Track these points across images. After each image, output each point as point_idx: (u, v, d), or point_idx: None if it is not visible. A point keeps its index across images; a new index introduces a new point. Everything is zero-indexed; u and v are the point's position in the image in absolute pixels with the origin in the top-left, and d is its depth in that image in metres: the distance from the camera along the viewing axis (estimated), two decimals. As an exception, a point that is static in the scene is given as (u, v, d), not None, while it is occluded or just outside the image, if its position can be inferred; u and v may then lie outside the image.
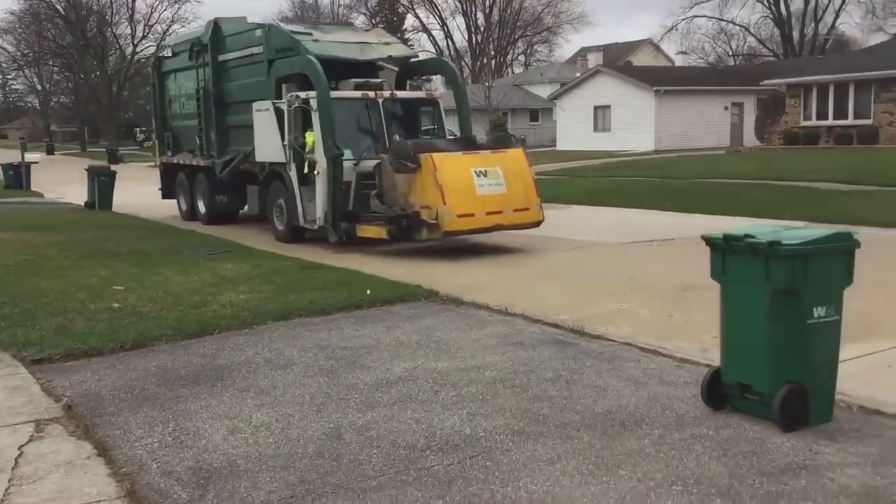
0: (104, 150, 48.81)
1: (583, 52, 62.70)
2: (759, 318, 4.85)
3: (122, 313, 8.22)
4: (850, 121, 31.50)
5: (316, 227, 13.07)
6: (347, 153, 12.65)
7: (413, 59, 15.77)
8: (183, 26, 62.12)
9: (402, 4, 76.80)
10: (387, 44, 14.96)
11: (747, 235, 4.91)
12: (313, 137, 12.78)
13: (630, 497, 4.00)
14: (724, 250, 5.07)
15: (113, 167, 24.09)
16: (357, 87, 13.70)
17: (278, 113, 13.55)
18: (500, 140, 12.86)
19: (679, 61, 54.89)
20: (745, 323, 4.95)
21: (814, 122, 33.00)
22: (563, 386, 5.75)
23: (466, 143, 12.99)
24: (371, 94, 13.51)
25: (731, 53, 65.25)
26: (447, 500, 4.03)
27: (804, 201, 16.48)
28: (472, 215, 11.59)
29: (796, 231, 5.27)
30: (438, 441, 4.78)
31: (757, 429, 4.80)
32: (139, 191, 24.24)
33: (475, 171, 11.74)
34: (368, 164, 12.66)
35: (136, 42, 69.37)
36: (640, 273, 10.08)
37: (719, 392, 5.17)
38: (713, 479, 4.15)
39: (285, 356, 6.72)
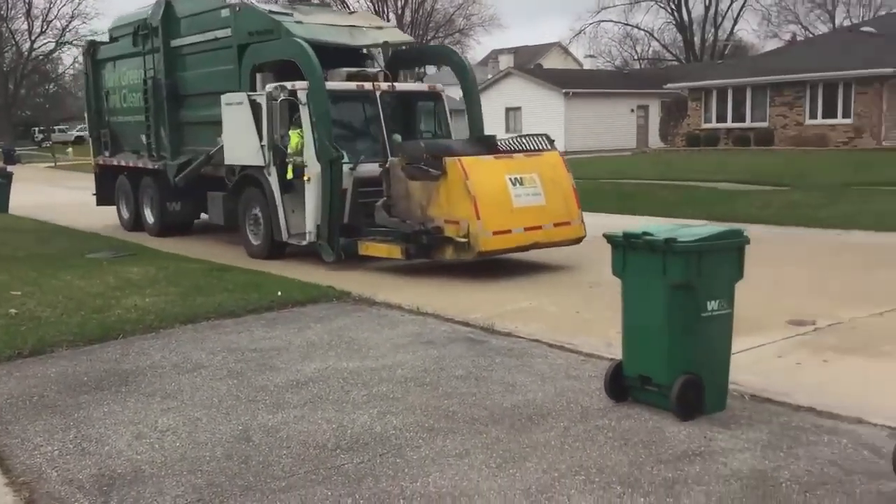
0: (0, 149, 46.82)
1: (494, 55, 63.48)
2: (657, 313, 5.06)
3: (19, 319, 7.92)
4: (747, 123, 32.86)
5: (304, 242, 11.10)
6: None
7: (411, 46, 13.87)
8: (84, 22, 59.97)
9: (314, 5, 76.07)
10: (379, 28, 12.92)
11: (645, 233, 5.11)
12: (299, 137, 10.93)
13: (535, 488, 4.12)
14: (624, 248, 5.26)
15: (9, 168, 23.09)
16: (350, 78, 11.74)
17: (254, 108, 11.56)
18: (533, 141, 10.81)
19: (587, 65, 56.20)
20: (644, 317, 5.15)
21: (714, 124, 34.29)
22: (473, 383, 5.86)
23: (487, 144, 10.91)
24: (367, 85, 11.63)
25: (636, 58, 67.18)
26: (356, 498, 4.07)
27: (704, 201, 17.13)
28: (509, 231, 9.67)
29: (691, 228, 5.51)
30: (349, 440, 4.81)
31: (656, 419, 5.01)
32: (39, 192, 23.29)
33: (510, 179, 9.87)
34: (367, 169, 10.86)
35: (33, 38, 66.69)
36: (548, 271, 10.31)
37: (621, 385, 5.36)
38: (614, 468, 4.32)
39: (193, 360, 6.61)
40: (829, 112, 30.18)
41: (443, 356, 6.54)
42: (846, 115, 29.74)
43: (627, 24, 67.47)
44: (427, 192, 9.94)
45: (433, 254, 9.96)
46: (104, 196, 16.97)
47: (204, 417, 5.26)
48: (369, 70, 12.23)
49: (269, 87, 11.28)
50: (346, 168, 10.73)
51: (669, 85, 37.74)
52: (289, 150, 11.03)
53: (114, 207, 16.71)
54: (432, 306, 8.27)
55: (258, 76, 11.87)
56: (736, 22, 61.24)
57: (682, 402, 4.95)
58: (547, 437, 4.77)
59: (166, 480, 4.33)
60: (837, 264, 10.31)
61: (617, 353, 5.61)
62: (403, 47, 13.27)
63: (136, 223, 15.78)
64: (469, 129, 12.40)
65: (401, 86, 12.26)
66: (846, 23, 52.64)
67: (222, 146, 12.43)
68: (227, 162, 12.37)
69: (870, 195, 15.47)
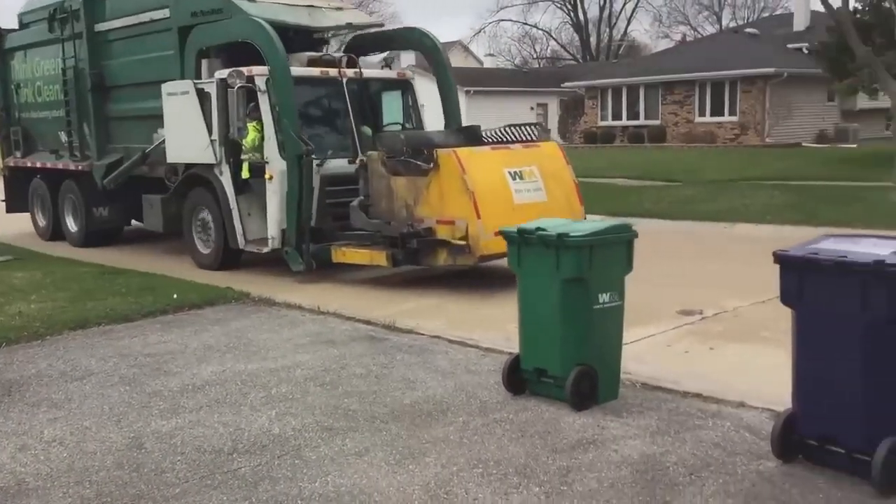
0: None
1: (396, 53, 63.38)
2: (551, 306, 5.18)
3: None
4: (641, 121, 33.89)
5: (266, 249, 9.92)
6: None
7: (377, 29, 12.48)
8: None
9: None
10: (338, 9, 11.61)
11: (539, 229, 5.23)
12: (256, 131, 9.74)
13: (434, 482, 4.16)
14: (519, 243, 5.37)
15: None
16: (311, 64, 10.43)
17: (202, 97, 10.29)
18: (524, 131, 9.86)
19: (488, 63, 56.77)
20: (539, 311, 5.27)
21: (610, 122, 35.24)
22: (374, 381, 5.86)
23: (471, 136, 9.78)
24: (332, 72, 10.38)
25: (535, 56, 68.33)
26: (253, 502, 4.01)
27: (601, 197, 17.59)
28: None
29: (583, 223, 5.67)
30: (246, 443, 4.73)
31: (552, 410, 5.13)
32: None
33: (509, 173, 8.90)
34: (335, 165, 9.79)
35: None
36: (452, 268, 10.39)
37: (519, 378, 5.47)
38: (511, 460, 4.40)
39: (82, 367, 6.37)
40: (717, 110, 31.45)
41: (343, 355, 6.52)
42: (732, 112, 31.05)
43: (526, 24, 68.66)
44: (415, 189, 8.84)
45: (423, 259, 8.85)
46: (15, 202, 15.03)
47: (93, 426, 5.08)
48: (333, 55, 10.91)
49: (223, 72, 9.98)
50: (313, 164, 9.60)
51: (567, 84, 38.55)
52: (245, 145, 9.82)
53: (27, 214, 14.87)
54: (333, 305, 8.22)
55: (204, 62, 10.60)
56: (629, 22, 62.98)
57: (577, 392, 5.09)
58: (446, 432, 4.82)
59: (52, 493, 4.16)
60: (724, 256, 10.78)
61: (515, 347, 5.71)
62: (368, 30, 11.89)
63: (55, 232, 13.97)
64: (444, 120, 11.20)
65: (369, 72, 11.04)
66: (732, 24, 54.99)
67: (162, 142, 11.06)
68: (169, 160, 10.99)
69: (754, 190, 16.23)
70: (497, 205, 8.52)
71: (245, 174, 10.00)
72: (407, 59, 33.10)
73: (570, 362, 5.14)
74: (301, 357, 6.48)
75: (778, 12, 51.47)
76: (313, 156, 9.46)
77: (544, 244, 5.17)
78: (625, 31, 63.48)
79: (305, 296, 8.69)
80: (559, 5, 61.45)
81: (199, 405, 5.41)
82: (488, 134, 9.89)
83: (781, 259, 4.14)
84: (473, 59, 67.52)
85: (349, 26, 11.38)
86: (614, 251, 5.25)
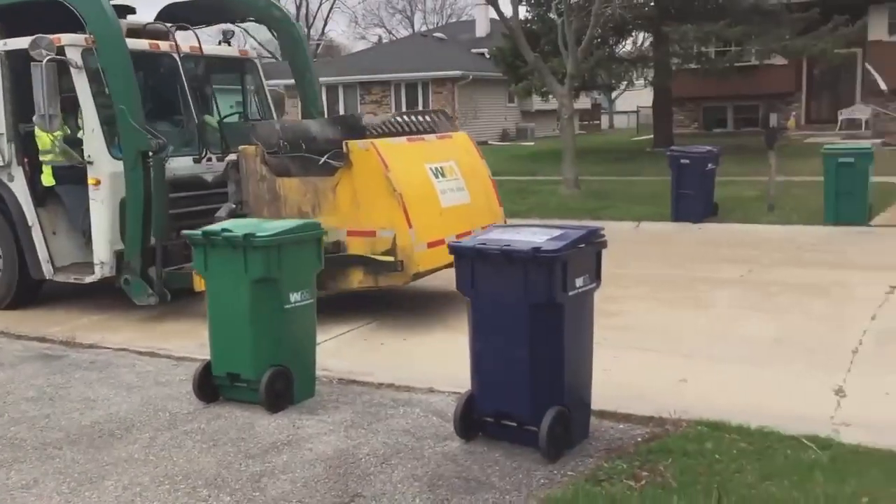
0: None
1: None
2: (241, 309, 5.05)
3: None
4: (342, 120, 34.51)
5: (91, 279, 7.62)
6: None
7: None
8: None
9: None
10: None
11: (224, 230, 5.08)
12: (60, 130, 7.40)
13: (115, 507, 3.87)
14: (205, 246, 5.16)
15: None
16: (131, 34, 7.95)
17: None
18: (436, 121, 8.24)
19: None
20: (229, 314, 5.11)
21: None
22: (47, 403, 5.32)
23: (352, 127, 7.93)
24: (164, 45, 8.16)
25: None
26: None
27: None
28: (443, 242, 6.69)
29: (272, 222, 5.60)
30: None
31: (246, 415, 5.01)
32: None
33: (431, 170, 7.38)
34: (178, 166, 7.74)
35: None
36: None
37: (211, 385, 5.27)
38: (202, 472, 4.22)
39: None
40: (412, 109, 32.96)
41: (11, 378, 5.85)
42: (426, 112, 32.73)
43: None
44: (313, 192, 7.16)
45: (329, 283, 6.65)
46: None
47: None
48: (160, 24, 8.56)
49: (13, 42, 7.64)
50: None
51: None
52: (54, 139, 7.47)
53: None
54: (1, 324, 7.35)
55: None
56: (326, 23, 63.87)
57: (271, 394, 5.01)
58: (130, 451, 4.51)
59: None
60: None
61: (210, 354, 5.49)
62: None
63: None
64: (301, 108, 9.41)
65: (211, 49, 8.96)
66: (423, 28, 57.76)
67: None
68: None
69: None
70: (425, 209, 7.08)
71: (47, 180, 7.79)
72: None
73: (264, 364, 5.05)
74: (-42, 385, 5.71)
75: (464, 19, 54.99)
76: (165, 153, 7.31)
77: (231, 245, 5.02)
78: (322, 31, 64.05)
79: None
80: (255, 2, 60.41)
81: None
82: (375, 125, 8.11)
83: (455, 250, 4.39)
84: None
85: None
86: (304, 249, 5.24)
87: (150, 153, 7.14)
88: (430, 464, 4.23)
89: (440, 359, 6.16)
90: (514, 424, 4.32)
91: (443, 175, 7.43)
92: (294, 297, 5.14)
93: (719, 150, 12.64)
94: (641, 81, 25.04)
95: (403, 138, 7.64)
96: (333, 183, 7.06)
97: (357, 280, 7.04)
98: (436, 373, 5.71)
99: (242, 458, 4.37)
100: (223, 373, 5.20)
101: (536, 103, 32.94)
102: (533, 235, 4.24)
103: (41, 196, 7.90)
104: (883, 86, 22.83)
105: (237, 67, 9.32)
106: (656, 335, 6.55)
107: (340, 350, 6.39)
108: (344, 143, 7.00)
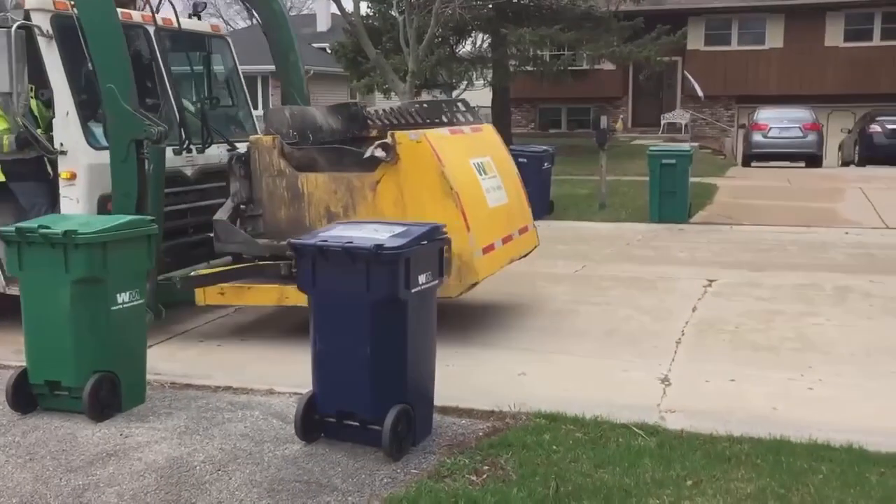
0: None
1: None
2: (61, 311, 4.69)
3: None
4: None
5: None
6: (101, 133, 6.40)
7: None
8: None
9: None
10: None
11: (42, 226, 4.70)
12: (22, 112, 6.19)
13: (-88, 534, 3.48)
14: (19, 244, 4.76)
15: None
16: None
17: None
18: (448, 110, 7.43)
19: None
20: (48, 317, 4.74)
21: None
22: None
23: (354, 117, 7.39)
24: (136, 16, 7.03)
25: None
26: None
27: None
28: (493, 247, 6.38)
29: (98, 218, 5.24)
30: None
31: (68, 425, 4.66)
32: None
33: (475, 166, 6.60)
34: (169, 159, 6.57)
35: None
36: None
37: (27, 394, 4.87)
38: (16, 489, 3.88)
39: None
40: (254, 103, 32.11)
41: None
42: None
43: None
44: (345, 190, 6.23)
45: None
46: None
47: None
48: None
49: None
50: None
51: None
52: (21, 123, 6.25)
53: None
54: None
55: None
56: (158, 11, 60.98)
57: (95, 402, 4.69)
58: (-69, 471, 4.08)
59: None
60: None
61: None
62: None
63: None
64: (283, 93, 8.44)
65: (187, 23, 7.67)
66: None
67: None
68: None
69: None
70: (478, 210, 6.31)
71: None
72: None
73: (87, 370, 4.71)
74: None
75: (304, 12, 54.13)
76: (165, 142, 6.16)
77: (50, 243, 4.65)
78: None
79: None
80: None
81: None
82: (376, 114, 7.48)
83: (295, 248, 4.27)
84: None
85: None
86: (133, 247, 4.93)
87: (149, 142, 6.00)
88: (269, 468, 4.09)
89: (280, 358, 6.01)
90: (357, 424, 4.26)
91: (484, 172, 6.71)
92: (122, 297, 4.83)
93: (555, 150, 13.13)
94: (481, 81, 25.60)
95: (446, 129, 6.83)
96: (374, 180, 6.15)
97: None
98: (276, 373, 5.57)
99: (63, 472, 4.06)
100: (41, 381, 4.81)
101: (378, 100, 32.94)
102: (375, 233, 4.20)
103: None
104: (700, 93, 24.53)
105: (209, 46, 8.01)
106: (498, 330, 6.69)
107: (173, 353, 6.09)
108: (390, 135, 6.16)
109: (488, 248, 6.31)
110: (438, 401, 4.57)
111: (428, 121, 7.44)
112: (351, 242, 4.10)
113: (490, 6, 22.30)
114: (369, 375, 4.16)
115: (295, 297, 5.68)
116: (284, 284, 6.18)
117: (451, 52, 24.00)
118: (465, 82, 25.32)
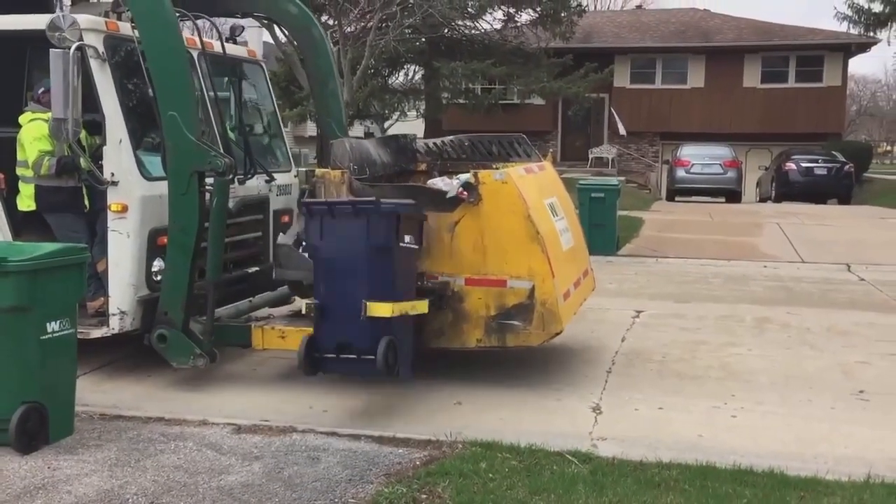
0: None
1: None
2: (-12, 341, 4.56)
3: None
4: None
5: (103, 332, 5.89)
6: (155, 162, 5.97)
7: None
8: None
9: None
10: None
11: (-30, 253, 4.57)
12: (42, 134, 6.03)
13: None
14: (-55, 271, 4.62)
15: None
16: (112, 12, 6.18)
17: None
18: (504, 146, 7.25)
19: None
20: (-27, 347, 4.60)
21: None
22: None
23: (404, 150, 7.18)
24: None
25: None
26: None
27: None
28: (569, 294, 6.15)
29: (29, 245, 5.13)
30: None
31: (-8, 458, 4.52)
32: None
33: (549, 206, 6.34)
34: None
35: None
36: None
37: (-52, 427, 4.70)
38: (-62, 525, 3.75)
39: None
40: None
41: None
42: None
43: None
44: (425, 231, 5.75)
45: (433, 338, 5.79)
46: None
47: None
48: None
49: (33, 17, 5.93)
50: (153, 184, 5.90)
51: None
52: (32, 156, 6.00)
53: None
54: None
55: None
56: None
57: (22, 434, 4.55)
58: None
59: None
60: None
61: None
62: None
63: None
64: (320, 126, 8.19)
65: (233, 48, 7.32)
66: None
67: None
68: None
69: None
70: (558, 254, 6.03)
71: (26, 204, 6.20)
72: None
73: (14, 401, 4.58)
74: None
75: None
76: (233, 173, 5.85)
77: (-24, 271, 4.53)
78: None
79: None
80: None
81: None
82: (426, 147, 7.33)
83: (307, 206, 5.31)
84: None
85: None
86: (65, 275, 4.83)
87: (215, 174, 5.65)
88: (205, 500, 4.05)
89: (214, 390, 5.94)
90: (354, 356, 5.11)
91: (556, 213, 6.42)
92: (52, 326, 4.72)
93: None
94: (414, 113, 25.85)
95: (521, 168, 6.42)
96: (452, 221, 5.77)
97: (475, 338, 5.77)
98: (209, 404, 5.51)
99: (-12, 508, 3.94)
100: (-36, 412, 4.66)
101: (311, 129, 32.88)
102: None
103: (18, 224, 6.28)
104: (622, 130, 25.27)
105: (247, 72, 7.72)
106: (433, 360, 6.74)
107: (102, 383, 5.96)
108: (473, 174, 5.81)
109: (566, 294, 6.06)
110: (374, 430, 4.60)
111: (479, 155, 7.30)
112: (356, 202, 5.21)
113: (423, 39, 22.63)
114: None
115: None
116: None
117: (385, 83, 24.22)
118: (397, 113, 25.56)
